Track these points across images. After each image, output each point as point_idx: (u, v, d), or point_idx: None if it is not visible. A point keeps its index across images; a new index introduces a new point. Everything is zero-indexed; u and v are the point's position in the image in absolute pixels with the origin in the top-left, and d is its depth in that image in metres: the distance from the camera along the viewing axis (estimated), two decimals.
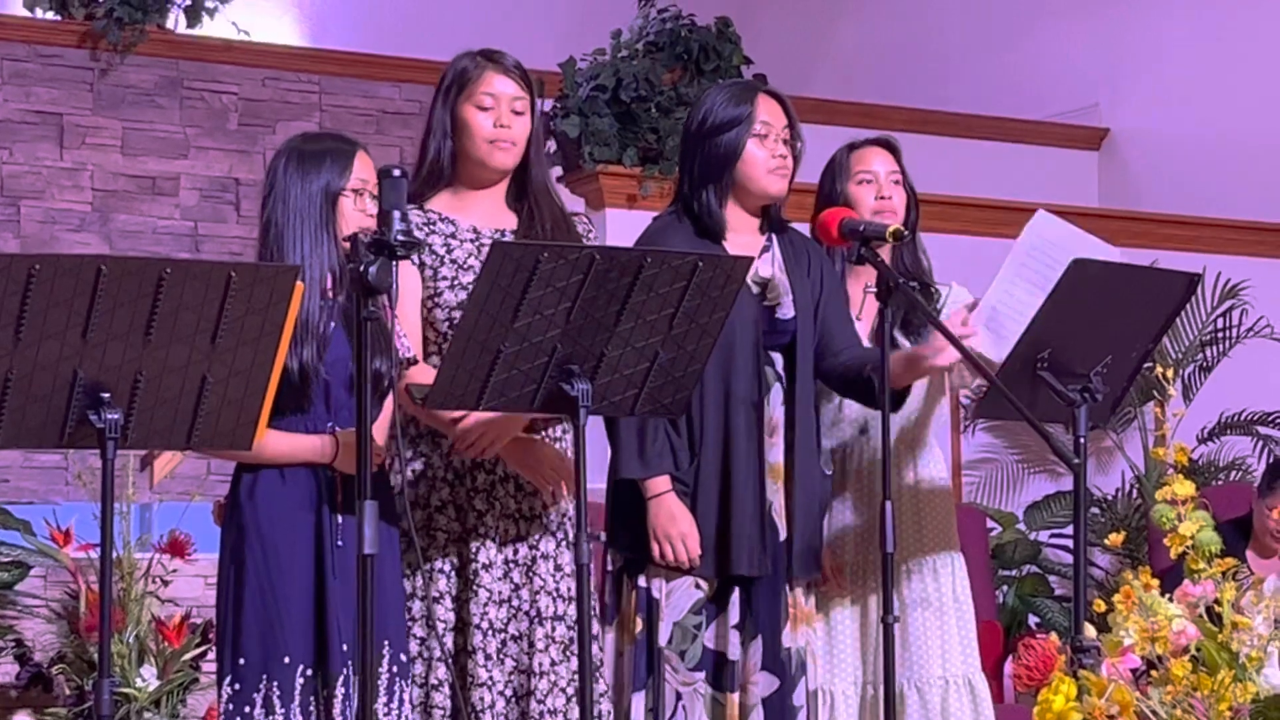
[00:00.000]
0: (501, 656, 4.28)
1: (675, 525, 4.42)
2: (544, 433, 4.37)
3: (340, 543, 4.06)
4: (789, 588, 4.56)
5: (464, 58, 4.46)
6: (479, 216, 4.42)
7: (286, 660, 4.02)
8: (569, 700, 4.30)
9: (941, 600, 4.81)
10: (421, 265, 4.33)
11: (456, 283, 4.34)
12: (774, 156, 4.56)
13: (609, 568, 4.59)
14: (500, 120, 4.38)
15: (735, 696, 4.47)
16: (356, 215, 4.14)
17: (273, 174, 4.17)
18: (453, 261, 4.35)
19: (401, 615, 4.20)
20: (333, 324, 4.12)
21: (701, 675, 4.47)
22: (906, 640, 4.76)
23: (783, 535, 4.53)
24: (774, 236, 4.64)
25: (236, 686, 4.03)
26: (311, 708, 4.03)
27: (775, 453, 4.55)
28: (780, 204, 4.65)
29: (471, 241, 4.38)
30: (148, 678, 6.19)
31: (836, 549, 4.80)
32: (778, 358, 4.57)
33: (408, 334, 4.26)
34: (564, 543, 4.38)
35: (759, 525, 4.47)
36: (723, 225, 4.54)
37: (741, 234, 4.58)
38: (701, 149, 4.56)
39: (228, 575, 4.11)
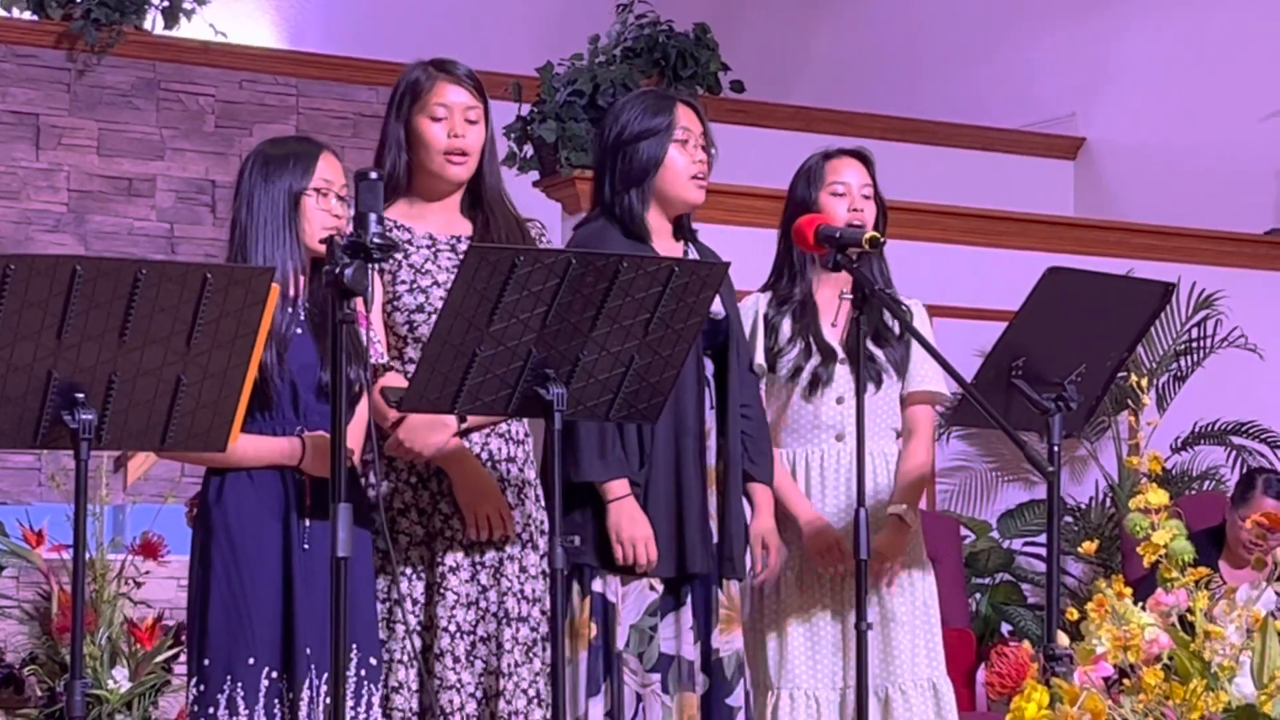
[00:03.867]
0: (471, 659, 4.28)
1: (638, 528, 4.44)
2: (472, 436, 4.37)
3: (307, 546, 4.07)
4: (721, 588, 4.61)
5: (415, 68, 4.46)
6: (434, 225, 4.44)
7: (251, 662, 4.02)
8: (530, 702, 4.30)
9: (914, 609, 4.87)
10: (381, 270, 4.33)
11: (415, 286, 4.35)
12: (694, 163, 4.61)
13: None
14: (454, 130, 4.39)
15: (693, 696, 4.50)
16: (320, 215, 4.15)
17: (241, 177, 4.20)
18: (410, 266, 4.36)
19: (372, 619, 4.20)
20: (298, 329, 4.13)
21: (658, 677, 4.49)
22: (889, 647, 4.81)
23: (714, 538, 4.58)
24: (689, 247, 4.68)
25: (201, 688, 4.04)
26: (276, 710, 4.03)
27: (709, 457, 4.59)
28: (692, 213, 4.70)
29: (428, 248, 4.39)
30: (120, 679, 6.18)
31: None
32: (707, 363, 4.61)
33: (379, 339, 4.27)
34: (529, 545, 4.38)
35: (704, 526, 4.52)
36: (646, 228, 4.58)
37: (663, 239, 4.62)
38: (622, 157, 4.59)
39: (195, 577, 4.12)
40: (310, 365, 4.12)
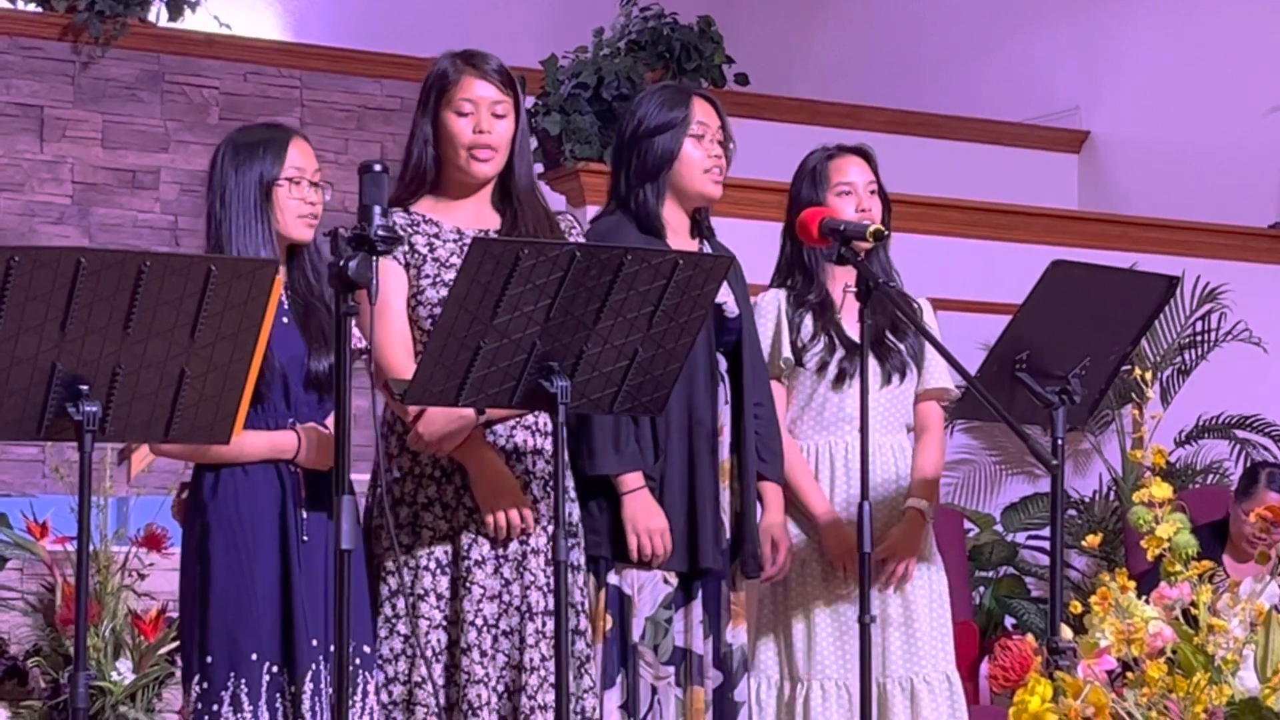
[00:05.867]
0: (494, 652, 4.27)
1: (653, 520, 4.45)
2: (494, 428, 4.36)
3: (306, 538, 4.06)
4: (732, 586, 4.63)
5: (444, 61, 4.43)
6: (463, 219, 4.40)
7: (254, 657, 4.01)
8: None
9: (930, 602, 4.90)
10: (406, 265, 4.32)
11: (439, 280, 4.31)
12: (710, 157, 4.62)
13: None
14: (480, 125, 4.35)
15: (702, 690, 4.51)
16: (293, 203, 4.15)
17: (213, 168, 4.19)
18: (435, 260, 4.34)
19: (365, 608, 4.18)
20: (284, 318, 4.12)
21: (672, 670, 4.50)
22: (912, 639, 4.85)
23: (727, 534, 4.59)
24: (705, 244, 4.69)
25: (204, 685, 4.03)
26: (279, 704, 4.03)
27: (722, 452, 4.60)
28: (710, 208, 4.71)
29: (454, 241, 4.36)
30: (123, 671, 6.18)
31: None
32: (721, 359, 4.62)
33: (396, 331, 4.26)
34: None
35: (715, 521, 4.52)
36: (660, 222, 4.59)
37: (678, 235, 4.63)
38: (638, 151, 4.62)
39: (193, 573, 4.10)
40: (298, 356, 4.11)
